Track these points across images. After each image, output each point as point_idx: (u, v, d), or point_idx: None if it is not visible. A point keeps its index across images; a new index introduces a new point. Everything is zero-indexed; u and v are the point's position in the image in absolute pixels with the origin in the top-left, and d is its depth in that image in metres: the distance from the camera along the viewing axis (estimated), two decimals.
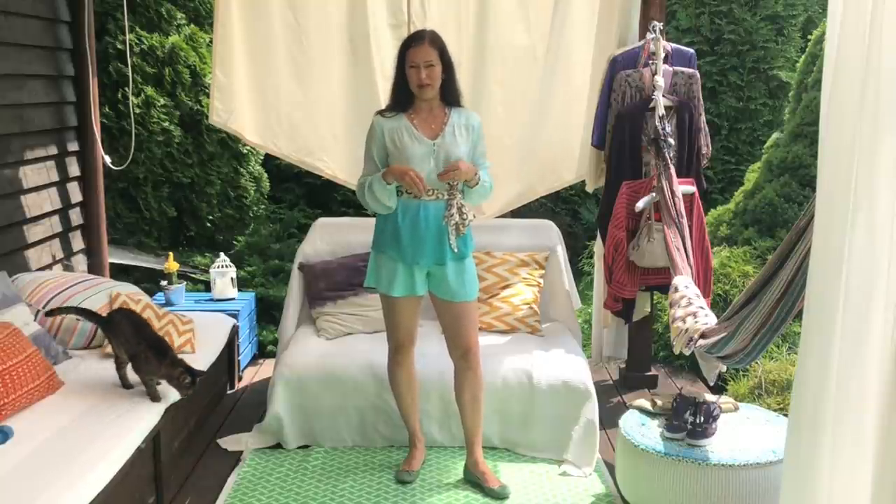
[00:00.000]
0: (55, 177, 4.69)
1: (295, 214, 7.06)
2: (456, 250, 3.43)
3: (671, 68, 4.33)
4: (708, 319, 3.27)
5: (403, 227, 3.42)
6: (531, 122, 4.66)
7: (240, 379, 4.84)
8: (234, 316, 4.73)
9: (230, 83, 4.57)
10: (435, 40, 3.39)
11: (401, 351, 3.62)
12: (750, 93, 7.83)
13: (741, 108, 7.84)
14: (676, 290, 3.53)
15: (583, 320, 5.45)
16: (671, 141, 4.16)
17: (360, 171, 4.89)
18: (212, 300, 5.01)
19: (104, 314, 3.63)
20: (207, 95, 4.77)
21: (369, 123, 4.69)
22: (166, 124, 6.11)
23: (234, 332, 4.62)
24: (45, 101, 4.58)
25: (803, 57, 6.02)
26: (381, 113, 3.49)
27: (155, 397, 3.35)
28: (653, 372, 4.81)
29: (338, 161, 4.79)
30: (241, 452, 3.92)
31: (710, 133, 4.56)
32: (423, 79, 3.33)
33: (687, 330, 3.26)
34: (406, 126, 3.41)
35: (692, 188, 4.23)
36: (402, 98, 3.44)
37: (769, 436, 3.26)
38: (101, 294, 4.05)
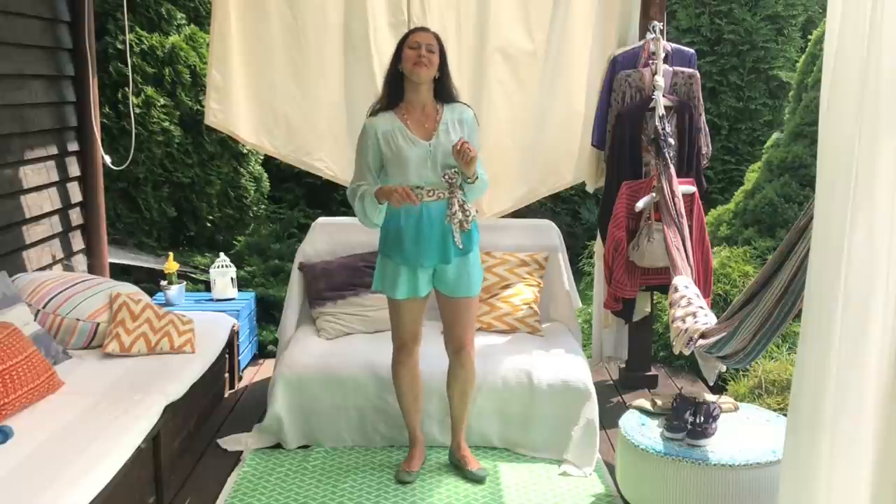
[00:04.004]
0: (55, 177, 4.69)
1: (295, 214, 7.06)
2: (462, 247, 3.44)
3: (671, 68, 4.33)
4: (708, 319, 3.27)
5: (406, 230, 3.41)
6: (532, 122, 4.65)
7: (240, 379, 4.83)
8: (235, 316, 4.73)
9: (226, 83, 4.56)
10: (437, 37, 3.44)
11: (404, 350, 3.62)
12: (750, 93, 7.83)
13: (741, 108, 7.85)
14: (676, 290, 3.53)
15: (583, 320, 5.45)
16: (671, 141, 4.16)
17: None
18: (212, 300, 5.01)
19: None
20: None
21: None
22: (166, 124, 6.11)
23: (234, 332, 4.62)
24: (45, 101, 4.58)
25: (803, 57, 6.02)
26: (372, 113, 3.48)
27: None
28: (653, 372, 4.81)
29: (338, 161, 4.78)
30: (241, 452, 3.92)
31: (710, 133, 4.56)
32: (423, 55, 3.33)
33: (687, 330, 3.26)
34: (399, 128, 3.40)
35: (692, 188, 4.23)
36: (394, 92, 3.44)
37: (769, 436, 3.27)
38: (101, 294, 4.05)
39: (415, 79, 3.38)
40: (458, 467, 3.71)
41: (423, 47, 3.34)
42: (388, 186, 3.35)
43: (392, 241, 3.47)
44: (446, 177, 3.38)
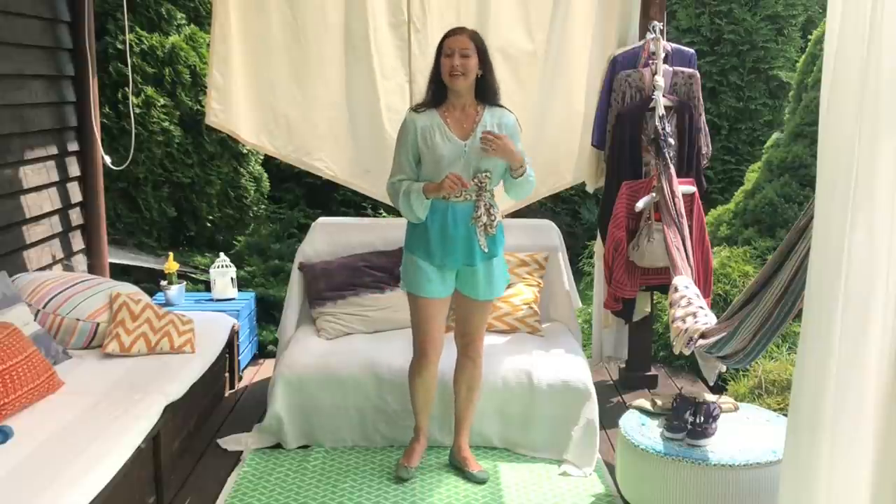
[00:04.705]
0: (55, 177, 4.69)
1: (295, 214, 7.06)
2: (486, 250, 3.43)
3: (671, 68, 4.33)
4: (708, 319, 3.27)
5: (432, 230, 3.42)
6: (532, 122, 4.65)
7: (240, 379, 4.83)
8: (235, 316, 4.73)
9: (227, 83, 4.56)
10: (475, 37, 3.40)
11: (424, 360, 3.57)
12: (750, 93, 7.83)
13: (741, 108, 7.85)
14: (676, 290, 3.53)
15: (583, 320, 5.45)
16: (671, 141, 4.16)
17: (360, 170, 4.87)
18: (212, 300, 5.01)
19: None
20: (207, 95, 4.81)
21: (369, 123, 4.65)
22: (166, 124, 6.11)
23: (234, 332, 4.62)
24: (45, 101, 4.58)
25: (803, 57, 6.02)
26: (414, 109, 3.48)
27: None
28: (653, 372, 4.81)
29: (338, 161, 4.78)
30: (241, 452, 3.92)
31: (709, 133, 4.56)
32: (456, 66, 3.31)
33: (687, 330, 3.26)
34: (439, 124, 3.40)
35: (692, 188, 4.23)
36: (437, 92, 3.43)
37: (769, 436, 3.27)
38: (101, 294, 4.05)
39: (452, 87, 3.37)
40: (459, 469, 3.70)
41: (456, 54, 3.32)
42: (436, 184, 3.34)
43: (418, 239, 3.47)
44: (476, 179, 3.37)
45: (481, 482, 3.61)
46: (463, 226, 3.40)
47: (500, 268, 3.56)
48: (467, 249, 3.43)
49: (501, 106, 3.50)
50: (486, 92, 3.44)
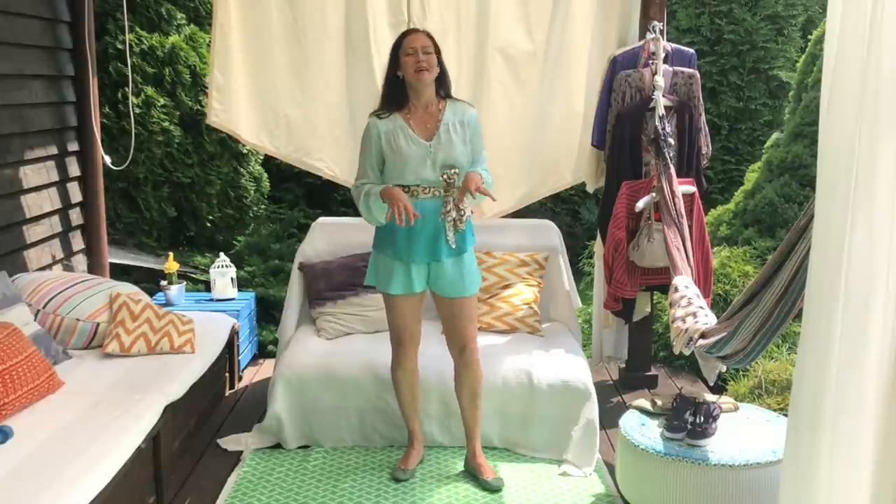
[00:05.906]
0: (55, 177, 4.69)
1: (295, 214, 7.06)
2: (454, 246, 3.43)
3: (671, 68, 4.33)
4: (708, 319, 3.27)
5: (399, 226, 3.42)
6: (532, 122, 4.66)
7: (240, 379, 4.84)
8: (235, 316, 4.73)
9: (228, 83, 4.56)
10: (430, 36, 3.45)
11: (401, 351, 3.61)
12: (750, 93, 7.84)
13: (741, 108, 7.85)
14: (676, 290, 3.53)
15: (583, 320, 5.45)
16: (671, 141, 4.16)
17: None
18: (212, 300, 5.01)
19: None
20: (207, 95, 4.81)
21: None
22: (166, 124, 6.11)
23: (234, 332, 4.62)
24: (45, 101, 4.58)
25: (803, 57, 6.02)
26: (376, 114, 3.48)
27: None
28: (653, 372, 4.81)
29: (337, 161, 4.78)
30: (241, 452, 3.92)
31: (710, 133, 4.56)
32: (422, 61, 3.34)
33: (687, 330, 3.26)
34: (402, 126, 3.41)
35: (692, 188, 4.23)
36: (395, 97, 3.44)
37: (769, 436, 3.27)
38: (101, 294, 4.05)
39: (419, 85, 3.39)
40: (473, 476, 3.65)
41: (419, 52, 3.35)
42: (394, 192, 3.34)
43: (385, 236, 3.48)
44: (445, 176, 3.38)
45: (495, 490, 3.55)
46: (431, 221, 3.40)
47: (471, 265, 3.55)
48: (434, 245, 3.43)
49: (463, 101, 3.56)
50: (445, 86, 3.49)
